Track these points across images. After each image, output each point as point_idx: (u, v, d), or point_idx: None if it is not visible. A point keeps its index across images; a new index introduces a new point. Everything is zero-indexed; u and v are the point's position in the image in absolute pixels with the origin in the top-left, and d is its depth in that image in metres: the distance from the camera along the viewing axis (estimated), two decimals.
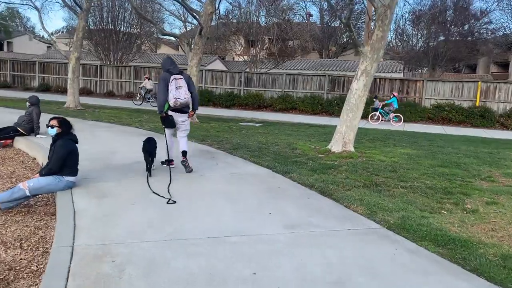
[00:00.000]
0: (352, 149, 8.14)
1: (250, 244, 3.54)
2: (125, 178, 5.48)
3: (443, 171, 6.91)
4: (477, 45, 32.26)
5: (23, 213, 4.46)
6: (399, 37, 34.28)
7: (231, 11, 28.68)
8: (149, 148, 5.78)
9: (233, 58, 36.55)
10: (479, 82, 18.42)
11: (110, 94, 23.76)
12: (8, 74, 26.12)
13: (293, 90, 20.70)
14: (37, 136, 8.37)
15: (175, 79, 5.74)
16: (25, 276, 3.11)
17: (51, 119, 4.98)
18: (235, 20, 28.29)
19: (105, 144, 8.02)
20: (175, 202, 4.58)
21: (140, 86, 21.37)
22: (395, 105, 16.59)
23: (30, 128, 8.41)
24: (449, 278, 3.11)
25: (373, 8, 8.05)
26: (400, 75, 25.77)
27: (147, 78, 21.04)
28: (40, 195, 4.88)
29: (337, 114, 18.56)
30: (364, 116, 14.01)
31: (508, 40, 34.56)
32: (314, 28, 34.60)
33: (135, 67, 24.15)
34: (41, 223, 4.19)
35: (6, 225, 4.08)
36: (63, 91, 22.15)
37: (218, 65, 31.52)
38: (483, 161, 8.15)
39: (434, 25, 30.86)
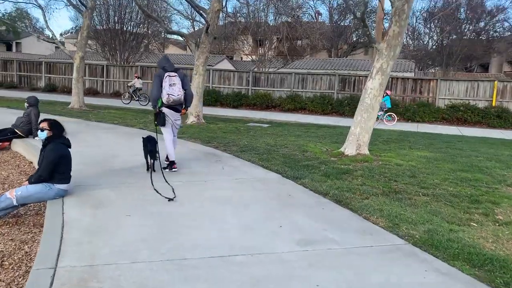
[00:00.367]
0: (367, 152, 7.67)
1: (258, 265, 3.10)
2: (123, 185, 5.08)
3: (465, 176, 6.42)
4: (493, 43, 31.41)
5: (10, 224, 4.07)
6: (410, 35, 33.58)
7: (239, 9, 28.29)
8: (149, 143, 5.74)
9: (241, 57, 36.07)
10: (496, 82, 17.75)
11: (116, 95, 23.43)
12: (14, 74, 25.95)
13: (302, 90, 20.19)
14: (36, 138, 7.98)
15: (169, 76, 5.76)
16: None
17: (42, 121, 4.56)
18: (243, 19, 27.85)
19: (106, 147, 7.66)
20: (173, 199, 4.57)
21: (129, 84, 20.93)
22: (388, 104, 15.90)
23: (29, 130, 8.06)
24: None
25: (389, 3, 7.56)
26: (412, 75, 25.10)
27: (136, 76, 20.65)
28: (30, 204, 4.49)
29: (348, 114, 18.23)
30: None
31: None
32: (324, 27, 34.04)
33: (141, 67, 23.83)
34: (28, 236, 3.78)
35: None
36: (69, 91, 21.74)
37: (226, 64, 31.09)
38: (506, 164, 7.64)
39: (448, 23, 30.10)
